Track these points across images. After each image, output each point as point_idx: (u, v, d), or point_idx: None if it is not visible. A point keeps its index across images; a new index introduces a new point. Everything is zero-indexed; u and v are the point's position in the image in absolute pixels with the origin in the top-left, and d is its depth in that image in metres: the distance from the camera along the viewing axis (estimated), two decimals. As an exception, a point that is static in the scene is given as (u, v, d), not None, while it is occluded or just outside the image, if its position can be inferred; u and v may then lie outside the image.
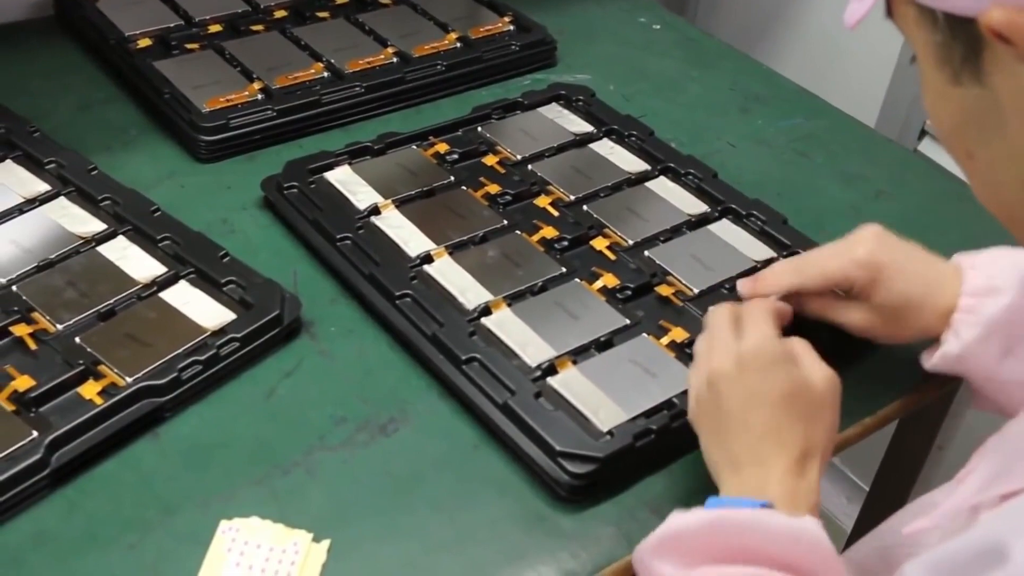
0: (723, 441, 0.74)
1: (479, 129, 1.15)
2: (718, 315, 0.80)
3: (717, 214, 1.05)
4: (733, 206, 1.05)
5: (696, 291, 0.96)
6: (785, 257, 0.99)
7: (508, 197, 1.05)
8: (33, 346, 0.86)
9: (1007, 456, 0.61)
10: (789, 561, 0.65)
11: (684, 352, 0.89)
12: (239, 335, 0.87)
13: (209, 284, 0.93)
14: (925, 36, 0.55)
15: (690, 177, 1.09)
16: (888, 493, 1.23)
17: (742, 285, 0.88)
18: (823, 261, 0.86)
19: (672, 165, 1.11)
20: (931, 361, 0.85)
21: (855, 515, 1.36)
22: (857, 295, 0.85)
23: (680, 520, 0.69)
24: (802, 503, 0.70)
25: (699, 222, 1.04)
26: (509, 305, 0.93)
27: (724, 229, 1.03)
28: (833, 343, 0.84)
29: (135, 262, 0.94)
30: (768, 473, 0.71)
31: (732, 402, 0.74)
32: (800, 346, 0.77)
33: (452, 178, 1.07)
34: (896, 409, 0.92)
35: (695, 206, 1.06)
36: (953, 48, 0.53)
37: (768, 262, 0.98)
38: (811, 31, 1.81)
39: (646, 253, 1.00)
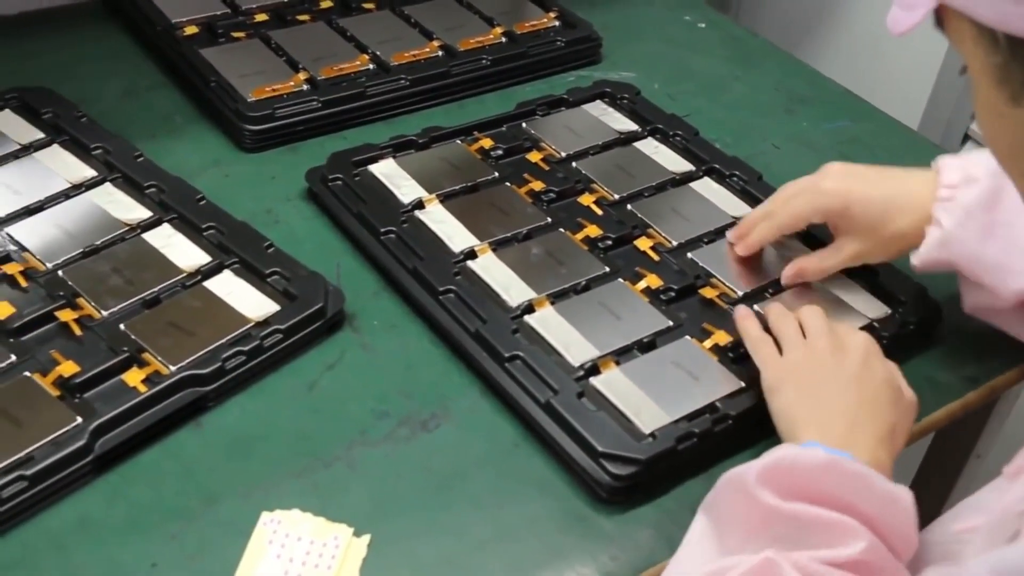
0: (818, 400, 0.78)
1: (523, 125, 1.14)
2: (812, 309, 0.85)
3: (762, 217, 1.04)
4: (778, 209, 1.04)
5: (740, 294, 0.95)
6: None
7: (552, 194, 1.05)
8: (78, 332, 0.86)
9: None
10: (877, 520, 0.68)
11: (727, 356, 0.89)
12: (283, 326, 0.87)
13: (253, 274, 0.93)
14: (983, 55, 0.54)
15: (735, 179, 1.08)
16: (924, 502, 1.21)
17: (735, 248, 0.98)
18: (791, 202, 0.93)
19: (717, 166, 1.10)
20: (917, 255, 0.88)
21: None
22: (836, 228, 0.92)
23: (793, 454, 0.71)
24: (885, 473, 0.72)
25: (743, 223, 1.03)
26: (552, 303, 0.92)
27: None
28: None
29: (180, 250, 0.94)
30: (857, 439, 0.74)
31: (837, 371, 0.79)
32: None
33: (496, 174, 1.07)
34: (940, 419, 0.92)
35: (739, 208, 1.05)
36: (1013, 69, 0.52)
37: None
38: (853, 30, 1.79)
39: (689, 255, 0.99)
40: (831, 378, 0.78)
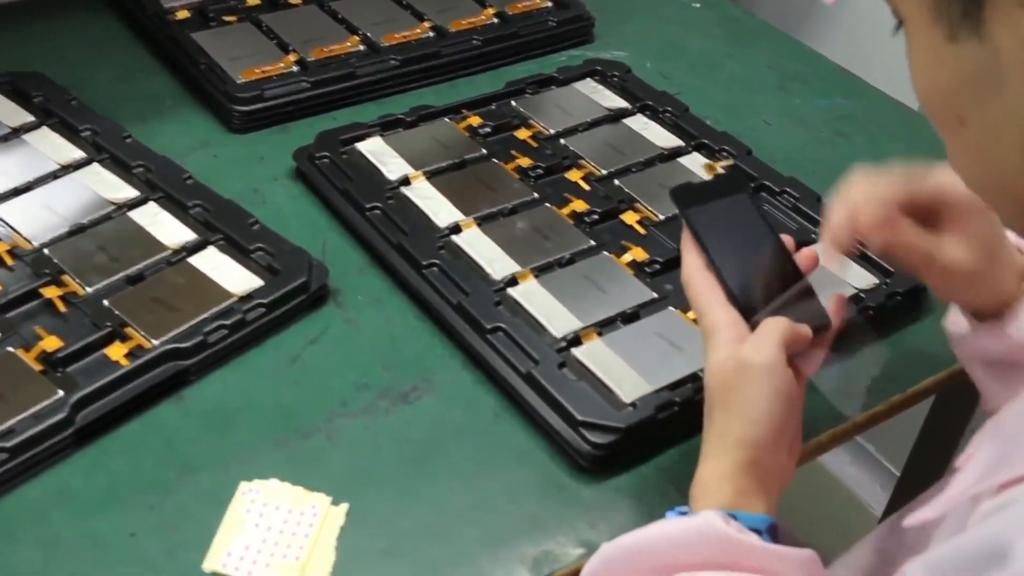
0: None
1: (513, 103, 1.14)
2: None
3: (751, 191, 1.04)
4: (767, 183, 1.04)
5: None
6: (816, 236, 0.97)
7: (539, 170, 1.04)
8: (62, 308, 0.87)
9: (1004, 442, 0.59)
10: (698, 562, 0.64)
11: (711, 326, 0.89)
12: (265, 301, 0.88)
13: (238, 251, 0.93)
14: None
15: (724, 154, 1.08)
16: (919, 477, 1.21)
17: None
18: (910, 180, 0.75)
19: (706, 141, 1.10)
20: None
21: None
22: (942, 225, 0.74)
23: (592, 564, 0.68)
24: (718, 495, 0.68)
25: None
26: (536, 277, 0.92)
27: (757, 206, 1.02)
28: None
29: (165, 228, 0.95)
30: (701, 461, 0.70)
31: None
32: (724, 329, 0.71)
33: (484, 151, 1.06)
34: (927, 388, 0.91)
35: (728, 182, 1.05)
36: (951, 2, 0.51)
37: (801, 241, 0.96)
38: (854, 12, 1.78)
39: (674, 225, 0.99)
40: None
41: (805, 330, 0.71)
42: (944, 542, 0.54)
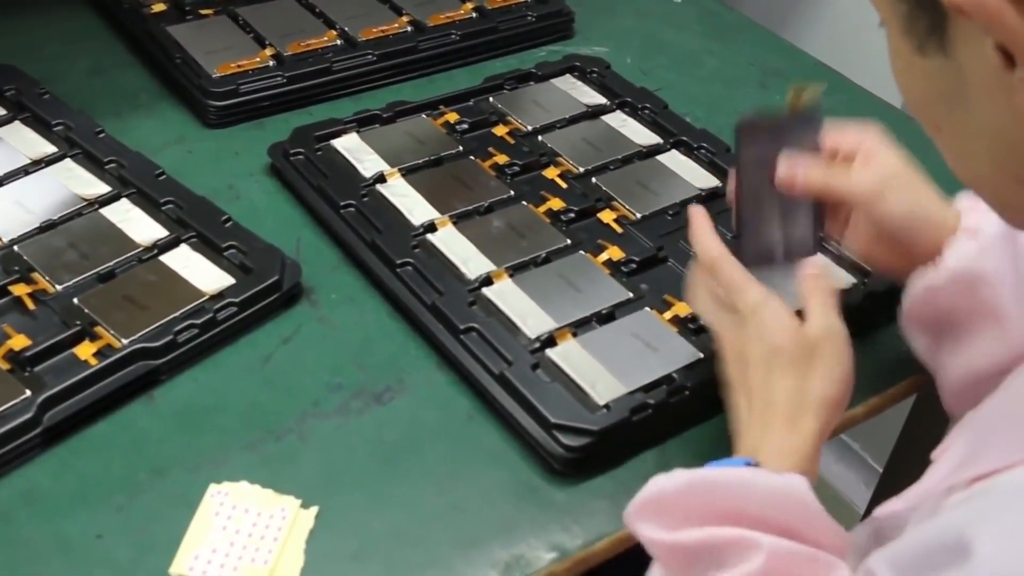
0: (731, 407, 0.75)
1: (490, 99, 1.13)
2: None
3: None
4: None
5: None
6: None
7: (516, 168, 1.04)
8: (31, 306, 0.86)
9: (979, 436, 0.59)
10: (770, 519, 0.64)
11: (687, 327, 0.88)
12: (237, 300, 0.87)
13: (210, 248, 0.92)
14: (890, 4, 0.53)
15: (703, 151, 1.07)
16: (901, 475, 1.21)
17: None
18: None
19: (685, 138, 1.09)
20: (946, 263, 0.79)
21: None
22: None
23: (659, 482, 0.67)
24: (791, 460, 0.69)
25: (710, 196, 1.02)
26: (511, 276, 0.92)
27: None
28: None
29: (137, 225, 0.94)
30: (761, 432, 0.70)
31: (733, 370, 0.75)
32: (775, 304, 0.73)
33: (460, 148, 1.06)
34: (905, 389, 0.91)
35: (706, 180, 1.04)
36: (919, 18, 0.51)
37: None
38: (838, 10, 1.77)
39: (654, 226, 0.98)
40: (734, 381, 0.75)
41: None
42: (908, 533, 0.54)
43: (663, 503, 0.67)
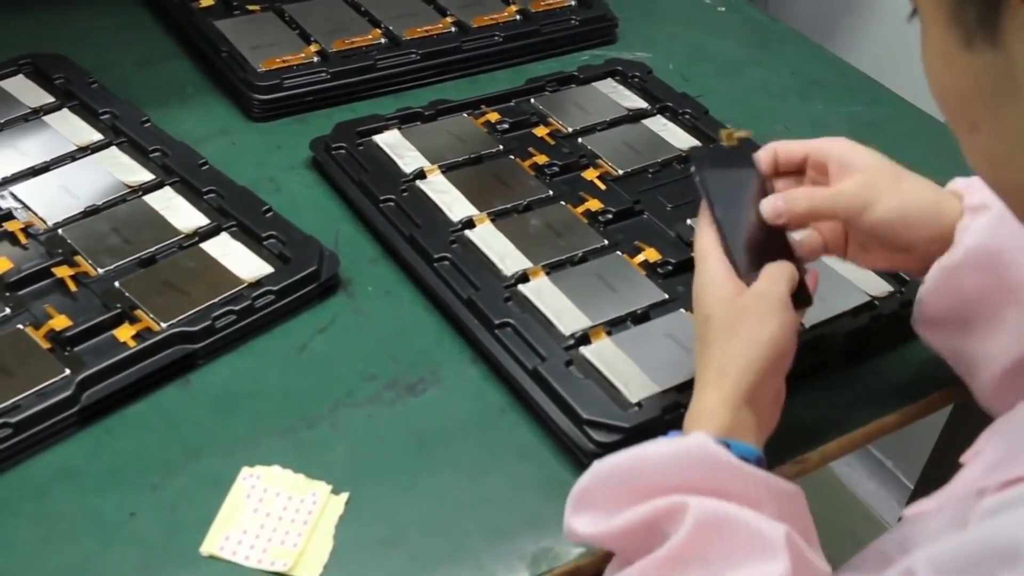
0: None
1: (532, 100, 1.14)
2: None
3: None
4: (784, 188, 1.03)
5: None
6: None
7: (555, 168, 1.04)
8: (73, 288, 0.87)
9: (1011, 440, 0.58)
10: (690, 482, 0.64)
11: (721, 329, 0.88)
12: (275, 288, 0.88)
13: (250, 237, 0.93)
14: None
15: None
16: (933, 489, 1.19)
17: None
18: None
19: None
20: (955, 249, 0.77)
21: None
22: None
23: (581, 480, 0.68)
24: (711, 421, 0.69)
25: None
26: (548, 274, 0.92)
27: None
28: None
29: (179, 212, 0.95)
30: (696, 399, 0.71)
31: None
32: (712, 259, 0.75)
33: (501, 147, 1.06)
34: (940, 399, 0.90)
35: (745, 186, 1.04)
36: (967, 8, 0.49)
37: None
38: (884, 23, 1.77)
39: (689, 222, 0.98)
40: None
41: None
42: (948, 537, 0.53)
43: (587, 495, 0.67)
